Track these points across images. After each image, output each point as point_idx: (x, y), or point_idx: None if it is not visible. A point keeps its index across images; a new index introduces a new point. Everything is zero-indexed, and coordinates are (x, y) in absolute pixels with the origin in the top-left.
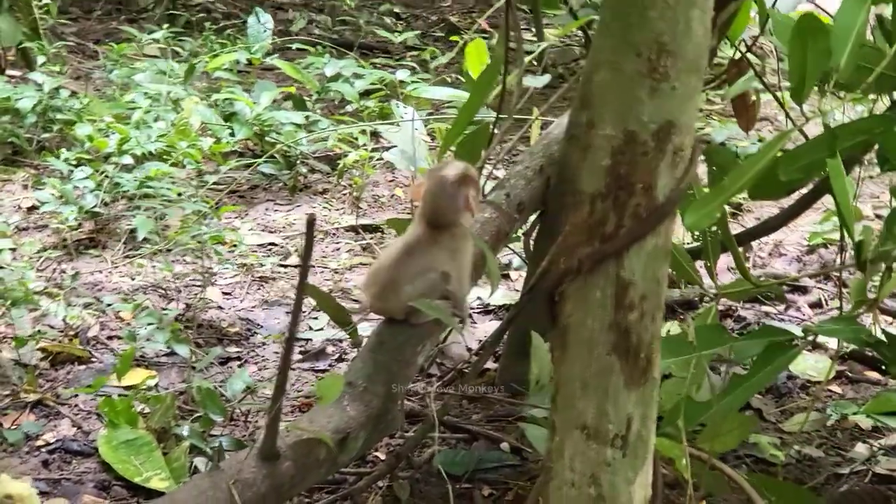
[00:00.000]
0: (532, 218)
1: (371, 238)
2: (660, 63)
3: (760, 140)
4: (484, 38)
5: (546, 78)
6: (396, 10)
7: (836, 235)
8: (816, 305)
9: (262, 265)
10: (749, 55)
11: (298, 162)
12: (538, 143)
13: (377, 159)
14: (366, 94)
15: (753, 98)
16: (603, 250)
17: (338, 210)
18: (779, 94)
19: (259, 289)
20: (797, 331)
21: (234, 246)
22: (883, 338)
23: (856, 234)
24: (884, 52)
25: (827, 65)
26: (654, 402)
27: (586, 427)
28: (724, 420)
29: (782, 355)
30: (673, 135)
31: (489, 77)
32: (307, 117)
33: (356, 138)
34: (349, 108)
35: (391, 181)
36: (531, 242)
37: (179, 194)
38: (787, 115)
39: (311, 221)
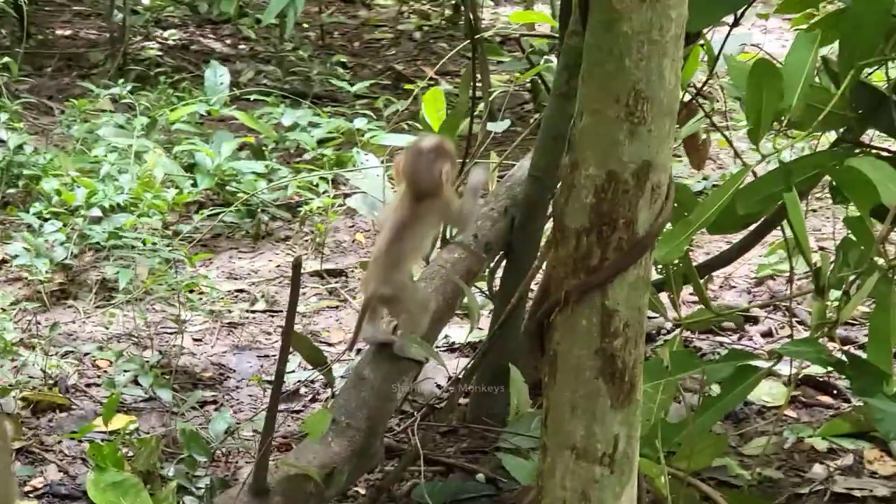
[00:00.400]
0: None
1: (336, 282)
2: (637, 108)
3: (705, 178)
4: (432, 85)
5: (506, 123)
6: (343, 59)
7: (783, 266)
8: (767, 334)
9: (230, 312)
10: (699, 97)
11: (259, 210)
12: (501, 185)
13: (338, 205)
14: (322, 142)
15: (703, 137)
16: (589, 282)
17: (301, 256)
18: (727, 133)
19: (229, 334)
20: (760, 362)
21: (202, 293)
22: (844, 358)
23: (814, 261)
24: (830, 92)
25: (780, 106)
26: (637, 423)
27: (576, 447)
28: (699, 439)
29: (750, 377)
30: (651, 173)
31: (454, 122)
32: (267, 166)
33: (316, 185)
34: (306, 156)
35: (351, 227)
36: (497, 280)
37: (146, 244)
38: (736, 154)
39: (297, 265)
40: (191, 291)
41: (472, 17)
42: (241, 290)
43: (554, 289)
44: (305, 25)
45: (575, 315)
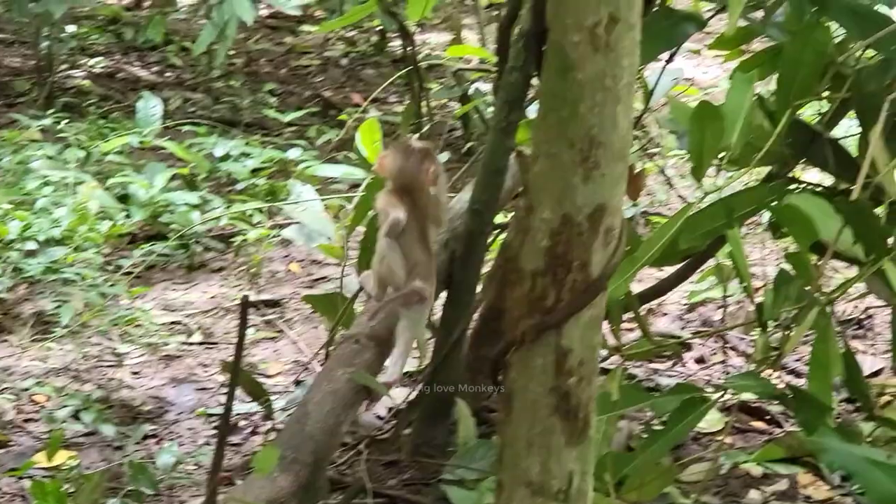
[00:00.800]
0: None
1: (272, 313)
2: (591, 153)
3: (635, 205)
4: (355, 112)
5: (445, 155)
6: (271, 86)
7: (714, 293)
8: (701, 360)
9: (167, 344)
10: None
11: (193, 242)
12: None
13: (273, 236)
14: (254, 171)
15: (639, 169)
16: (544, 322)
17: (235, 287)
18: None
19: (166, 367)
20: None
21: (139, 326)
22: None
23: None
24: (765, 129)
25: (721, 144)
26: (591, 458)
27: (532, 483)
28: (647, 471)
29: (697, 409)
30: (605, 216)
31: None
32: (200, 197)
33: (251, 216)
34: (239, 186)
35: (286, 257)
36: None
37: (85, 279)
38: (669, 184)
39: (245, 304)
40: (128, 324)
41: (410, 47)
42: (176, 322)
43: (509, 328)
44: (232, 52)
45: (531, 354)
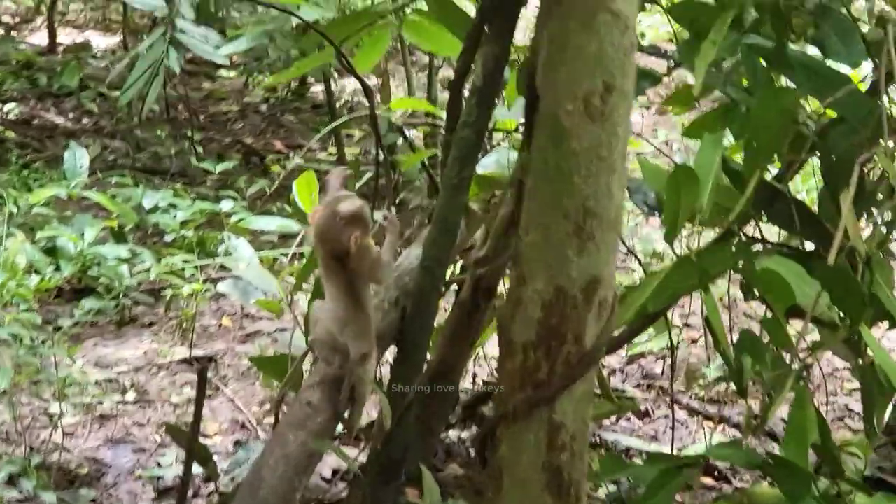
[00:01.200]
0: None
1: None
2: (585, 224)
3: None
4: (278, 159)
5: (386, 211)
6: (190, 133)
7: (652, 345)
8: (645, 415)
9: (101, 403)
10: None
11: (121, 296)
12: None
13: (205, 290)
14: (183, 223)
15: None
16: (537, 396)
17: (166, 342)
18: None
19: (101, 427)
20: (640, 444)
21: (70, 384)
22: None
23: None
24: (731, 189)
25: (694, 207)
26: None
27: None
28: None
29: (675, 479)
30: (599, 288)
31: None
32: (130, 250)
33: (182, 269)
34: (167, 238)
35: (217, 310)
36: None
37: (17, 339)
38: (629, 251)
39: (202, 373)
40: (60, 384)
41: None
42: (109, 380)
43: (499, 402)
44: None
45: (522, 429)
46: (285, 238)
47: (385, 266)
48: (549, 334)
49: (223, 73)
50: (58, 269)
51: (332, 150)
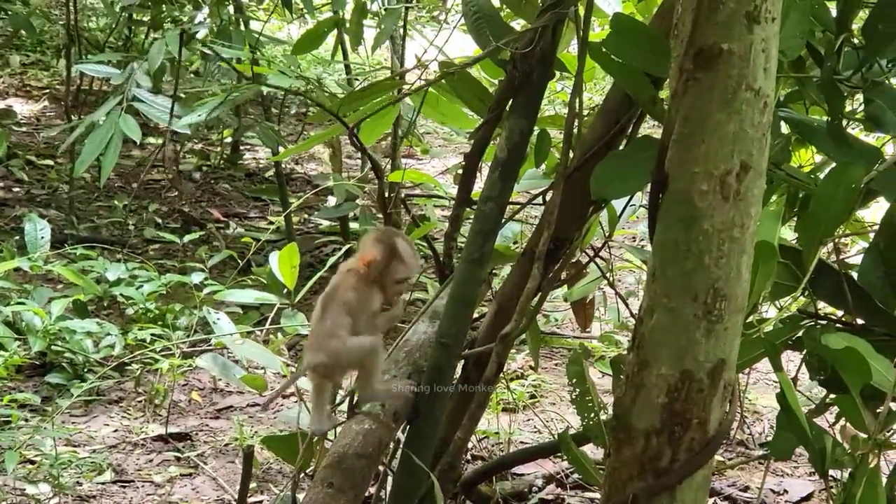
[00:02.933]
0: None
1: (182, 446)
2: (715, 306)
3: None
4: (219, 228)
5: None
6: (125, 202)
7: None
8: None
9: (79, 484)
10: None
11: (87, 371)
12: (400, 351)
13: (179, 366)
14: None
15: (590, 298)
16: (660, 485)
17: (137, 418)
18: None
19: None
20: None
21: (40, 466)
22: None
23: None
24: (788, 266)
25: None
26: None
27: None
28: None
29: None
30: (724, 371)
31: None
32: (98, 324)
33: (151, 343)
34: (130, 311)
35: (184, 385)
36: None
37: None
38: (631, 313)
39: (248, 455)
40: (32, 462)
41: (380, 180)
42: (81, 459)
43: (614, 491)
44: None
45: None
46: (246, 310)
47: (391, 321)
48: (674, 420)
49: (150, 139)
50: (25, 344)
51: (272, 217)
